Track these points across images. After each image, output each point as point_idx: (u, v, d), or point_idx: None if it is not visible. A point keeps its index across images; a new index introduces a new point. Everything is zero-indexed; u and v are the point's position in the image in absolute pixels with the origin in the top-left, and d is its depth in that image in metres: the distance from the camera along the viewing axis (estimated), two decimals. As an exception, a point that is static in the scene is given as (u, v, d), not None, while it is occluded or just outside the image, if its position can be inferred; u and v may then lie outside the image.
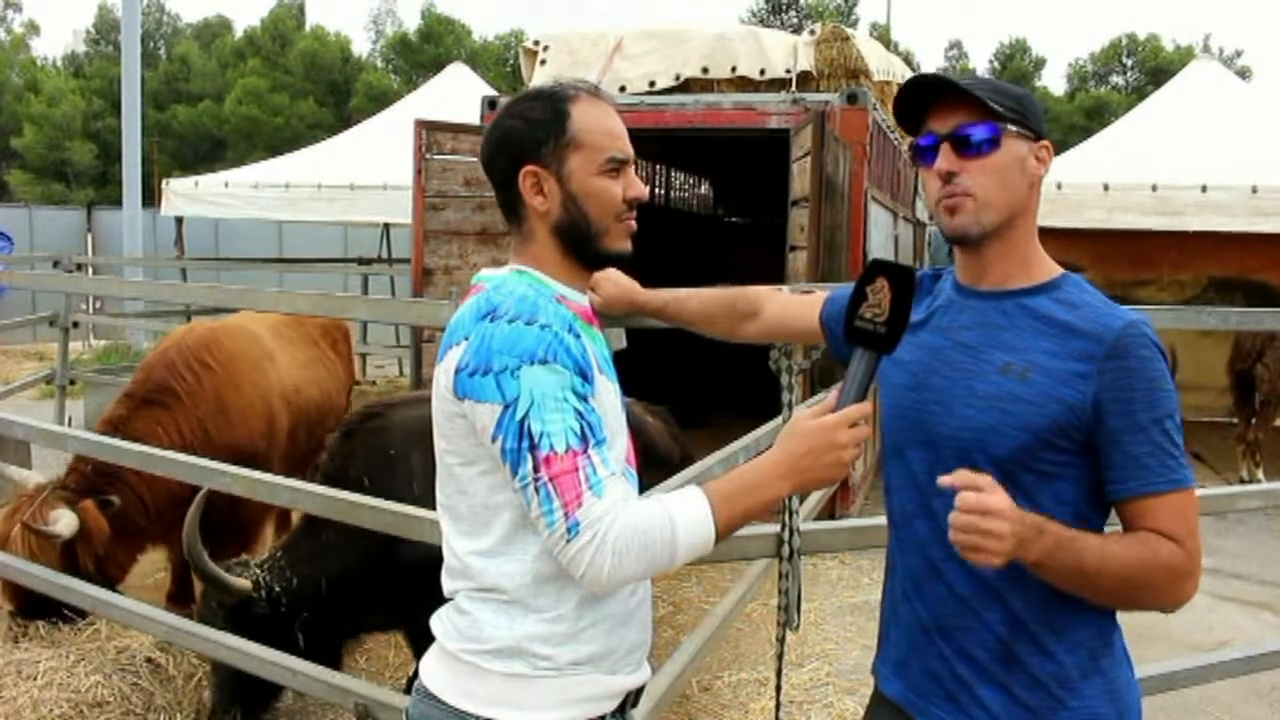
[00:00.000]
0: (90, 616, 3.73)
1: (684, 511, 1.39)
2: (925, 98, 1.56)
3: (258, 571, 3.12)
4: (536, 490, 1.38)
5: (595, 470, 1.39)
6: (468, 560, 1.51)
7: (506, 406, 1.40)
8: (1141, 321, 1.46)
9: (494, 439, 1.41)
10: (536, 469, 1.38)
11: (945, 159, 1.52)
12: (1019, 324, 1.52)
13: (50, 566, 3.60)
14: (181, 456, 3.24)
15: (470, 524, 1.52)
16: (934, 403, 1.55)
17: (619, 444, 1.54)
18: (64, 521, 3.62)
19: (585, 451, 1.39)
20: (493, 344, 1.42)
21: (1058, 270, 1.57)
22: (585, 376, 1.45)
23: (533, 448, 1.38)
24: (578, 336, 1.47)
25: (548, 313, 1.45)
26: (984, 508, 1.31)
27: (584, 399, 1.43)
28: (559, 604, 1.48)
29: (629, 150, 1.58)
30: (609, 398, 1.54)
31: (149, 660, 3.53)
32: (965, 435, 1.50)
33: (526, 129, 1.55)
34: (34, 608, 3.74)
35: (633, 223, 1.60)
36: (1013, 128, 1.50)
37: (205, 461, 3.13)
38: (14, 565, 3.60)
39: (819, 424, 1.43)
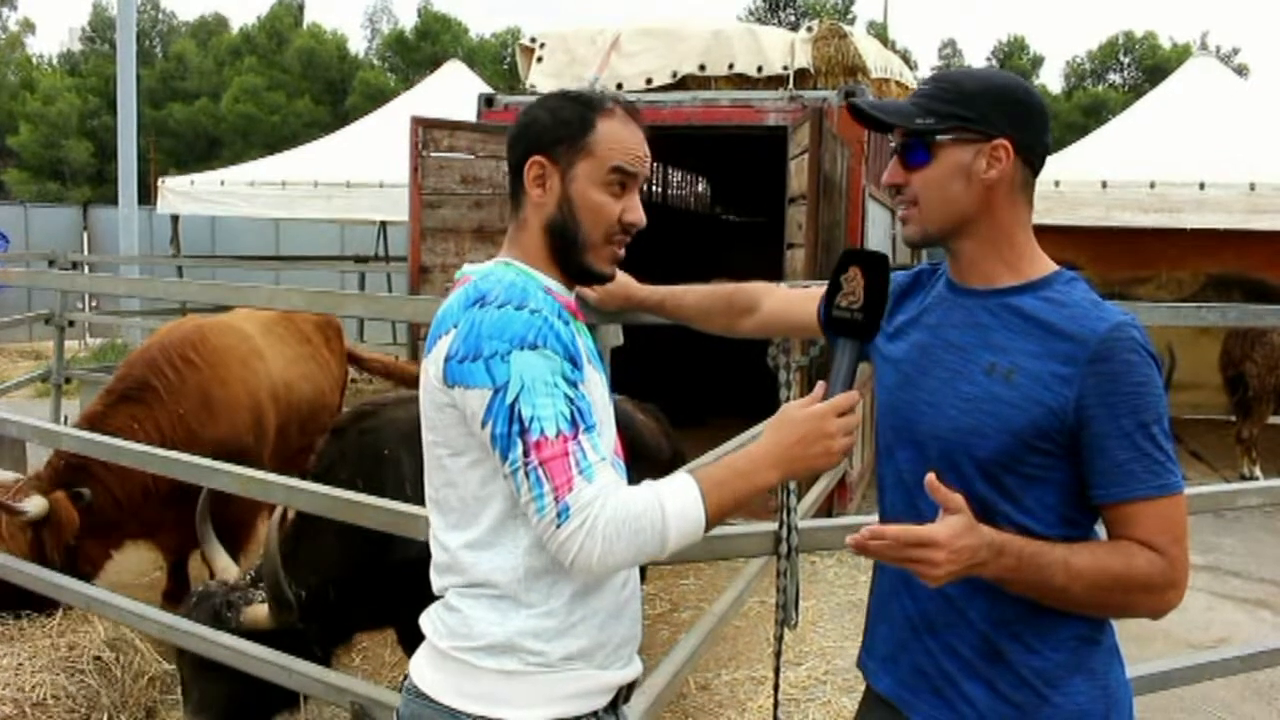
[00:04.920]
0: (49, 610, 3.68)
1: (674, 497, 1.39)
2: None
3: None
4: (526, 475, 1.37)
5: (585, 455, 1.38)
6: (458, 555, 1.50)
7: (497, 391, 1.39)
8: (1129, 324, 1.42)
9: (484, 424, 1.40)
10: (526, 453, 1.37)
11: (892, 172, 1.55)
12: (1007, 324, 1.49)
13: (19, 553, 3.58)
14: (177, 455, 3.21)
15: (459, 516, 1.51)
16: (923, 403, 1.54)
17: (606, 436, 1.53)
18: (34, 501, 3.60)
19: (575, 436, 1.38)
20: (482, 329, 1.41)
21: (1050, 267, 1.53)
22: (575, 363, 1.44)
23: (523, 432, 1.37)
24: (567, 323, 1.47)
25: (537, 298, 1.45)
26: (918, 539, 1.32)
27: (574, 385, 1.42)
28: (550, 599, 1.47)
29: (639, 169, 1.56)
30: (597, 389, 1.54)
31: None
32: (950, 436, 1.49)
33: (550, 123, 1.55)
34: (2, 600, 3.69)
35: (621, 250, 1.59)
36: (947, 137, 1.48)
37: (201, 460, 3.09)
38: (3, 563, 3.57)
39: (808, 413, 1.42)
